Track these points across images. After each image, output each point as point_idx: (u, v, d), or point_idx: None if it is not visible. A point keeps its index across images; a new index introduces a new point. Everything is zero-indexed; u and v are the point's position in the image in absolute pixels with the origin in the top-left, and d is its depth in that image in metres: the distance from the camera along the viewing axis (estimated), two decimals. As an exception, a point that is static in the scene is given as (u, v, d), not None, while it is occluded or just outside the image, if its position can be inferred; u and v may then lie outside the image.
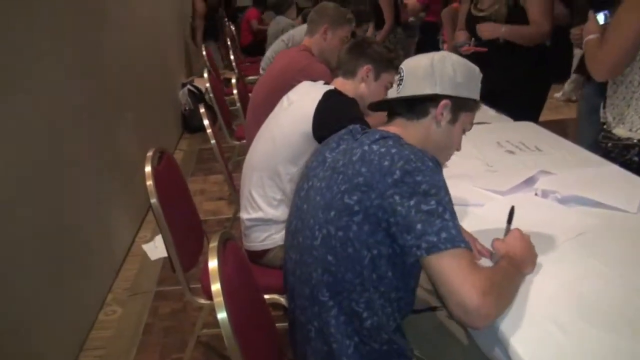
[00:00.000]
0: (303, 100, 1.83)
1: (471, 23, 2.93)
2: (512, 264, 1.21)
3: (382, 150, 1.18)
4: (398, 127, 1.34)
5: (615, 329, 1.09)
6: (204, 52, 5.28)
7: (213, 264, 1.14)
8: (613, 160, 2.04)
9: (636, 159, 2.02)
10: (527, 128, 2.47)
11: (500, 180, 1.82)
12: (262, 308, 1.40)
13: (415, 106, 1.34)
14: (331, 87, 1.85)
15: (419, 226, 1.08)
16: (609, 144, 2.08)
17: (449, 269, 1.06)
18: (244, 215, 1.96)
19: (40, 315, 2.09)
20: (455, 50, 3.09)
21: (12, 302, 1.89)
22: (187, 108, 5.47)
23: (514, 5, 2.72)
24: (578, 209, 1.62)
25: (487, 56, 2.79)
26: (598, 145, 2.12)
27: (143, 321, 2.59)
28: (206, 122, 2.50)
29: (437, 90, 1.32)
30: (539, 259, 1.32)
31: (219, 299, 1.09)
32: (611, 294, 1.21)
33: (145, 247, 3.28)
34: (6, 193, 1.92)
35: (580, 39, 2.08)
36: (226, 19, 8.74)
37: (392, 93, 1.41)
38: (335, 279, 1.21)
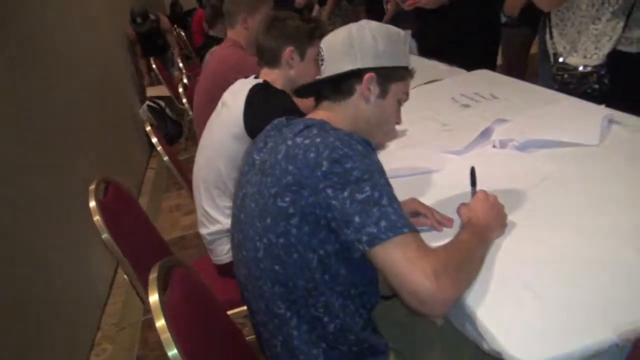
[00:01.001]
0: (234, 100, 1.72)
1: None
2: (474, 233, 1.13)
3: (307, 142, 1.08)
4: (325, 112, 1.25)
5: (596, 284, 1.02)
6: (154, 66, 5.16)
7: (153, 298, 1.06)
8: (572, 92, 1.96)
9: (596, 86, 1.95)
10: (481, 77, 2.39)
11: (456, 138, 1.74)
12: (226, 331, 1.32)
13: (340, 85, 1.24)
14: (259, 80, 1.74)
15: (356, 218, 0.99)
16: (565, 76, 2.00)
17: (395, 259, 0.97)
18: (203, 230, 1.87)
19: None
20: (398, 6, 3.00)
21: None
22: (151, 124, 5.31)
23: None
24: (539, 153, 1.56)
25: (434, 9, 2.70)
26: (554, 80, 2.05)
27: (134, 354, 2.51)
28: (154, 139, 2.41)
29: (359, 64, 1.22)
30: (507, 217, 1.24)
31: (165, 336, 1.01)
32: (586, 242, 1.14)
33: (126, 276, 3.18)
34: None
35: None
36: (175, 26, 8.59)
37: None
38: (287, 288, 1.12)
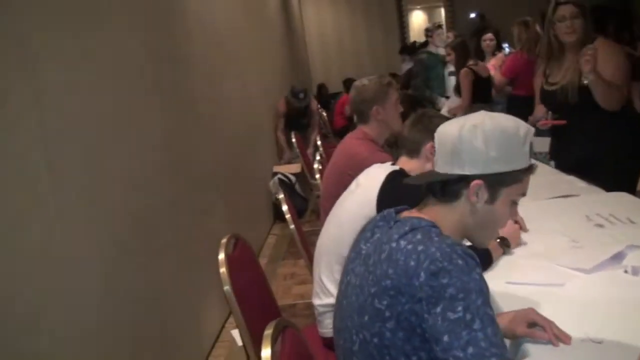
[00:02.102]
0: (369, 183, 1.82)
1: (544, 97, 2.86)
2: None
3: (409, 247, 1.09)
4: (432, 213, 1.23)
5: None
6: (294, 140, 5.46)
7: (266, 353, 1.13)
8: None
9: None
10: (620, 199, 2.30)
11: (585, 256, 1.69)
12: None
13: (446, 187, 1.21)
14: (396, 168, 1.83)
15: (445, 338, 0.99)
16: None
17: None
18: (315, 301, 1.93)
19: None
20: (533, 125, 3.00)
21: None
22: (277, 197, 5.54)
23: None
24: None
25: (573, 126, 2.68)
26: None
27: (229, 411, 2.56)
28: (285, 207, 2.55)
29: (466, 170, 1.17)
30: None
31: (272, 391, 1.06)
32: None
33: (233, 332, 3.29)
34: (91, 278, 2.00)
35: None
36: (319, 106, 9.06)
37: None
38: None
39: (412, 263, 1.06)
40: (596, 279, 1.57)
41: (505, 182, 1.19)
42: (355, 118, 2.66)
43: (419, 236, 1.11)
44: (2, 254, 1.54)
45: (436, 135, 1.26)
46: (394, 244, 1.12)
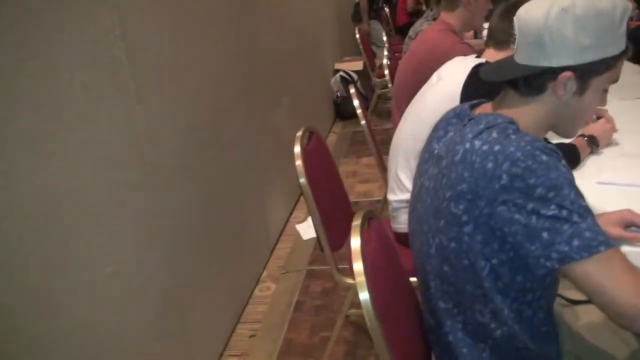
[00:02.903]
0: (452, 77, 1.73)
1: None
2: None
3: (485, 148, 1.01)
4: (511, 108, 1.12)
5: None
6: (357, 35, 5.29)
7: (355, 242, 1.12)
8: None
9: None
10: None
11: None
12: (408, 291, 1.35)
13: (530, 81, 1.09)
14: (482, 60, 1.72)
15: (545, 234, 0.94)
16: None
17: (597, 278, 0.92)
18: (391, 196, 1.92)
19: (201, 288, 2.23)
20: None
21: (175, 276, 2.02)
22: (338, 95, 5.48)
23: None
24: None
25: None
26: None
27: (295, 299, 2.66)
28: (356, 102, 2.48)
29: (553, 62, 1.04)
30: None
31: (360, 279, 1.06)
32: None
33: (298, 227, 3.37)
34: (172, 166, 2.05)
35: None
36: (381, 1, 8.68)
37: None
38: (455, 289, 1.12)
39: (490, 165, 0.98)
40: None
41: (597, 71, 1.06)
42: (443, 3, 2.51)
43: (494, 134, 1.02)
44: (88, 138, 1.56)
45: (517, 20, 1.10)
46: (467, 145, 1.05)
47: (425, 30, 2.69)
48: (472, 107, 1.20)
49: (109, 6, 1.68)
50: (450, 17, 2.46)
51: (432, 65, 1.96)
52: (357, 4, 6.35)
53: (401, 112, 2.01)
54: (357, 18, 6.39)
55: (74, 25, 1.53)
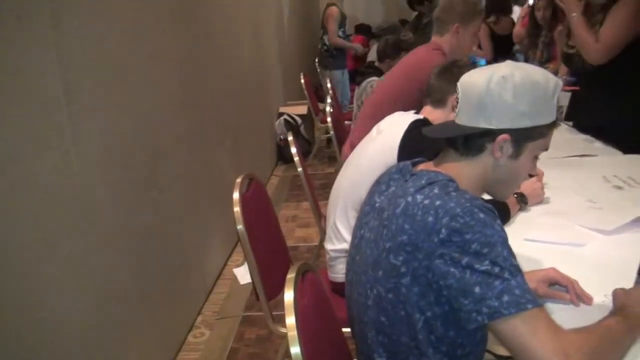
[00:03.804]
0: (391, 130, 1.78)
1: (565, 59, 2.80)
2: (625, 322, 1.05)
3: (426, 202, 1.05)
4: (450, 166, 1.18)
5: None
6: (302, 81, 5.37)
7: (289, 296, 1.11)
8: None
9: None
10: (638, 161, 2.28)
11: (605, 218, 1.67)
12: (341, 342, 1.35)
13: (470, 141, 1.16)
14: (419, 117, 1.78)
15: (477, 289, 0.97)
16: None
17: (522, 335, 0.95)
18: (328, 246, 1.93)
19: (132, 333, 2.15)
20: None
21: (107, 317, 1.96)
22: (282, 138, 5.50)
23: None
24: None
25: (589, 89, 2.62)
26: None
27: (229, 345, 2.61)
28: (293, 149, 2.52)
29: (493, 124, 1.12)
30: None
31: (292, 333, 1.06)
32: None
33: (235, 270, 3.33)
34: (107, 208, 2.00)
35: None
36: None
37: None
38: (390, 340, 1.13)
39: (430, 219, 1.02)
40: (616, 240, 1.56)
41: (531, 137, 1.15)
42: (434, 27, 2.57)
43: (435, 190, 1.07)
44: (21, 180, 1.51)
45: (460, 85, 1.18)
46: (409, 198, 1.08)
47: (415, 50, 2.68)
48: (414, 164, 1.25)
49: (48, 45, 1.66)
50: (440, 40, 2.51)
51: (420, 78, 2.02)
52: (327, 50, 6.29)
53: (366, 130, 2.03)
54: (324, 64, 6.36)
55: (10, 64, 1.50)
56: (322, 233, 2.46)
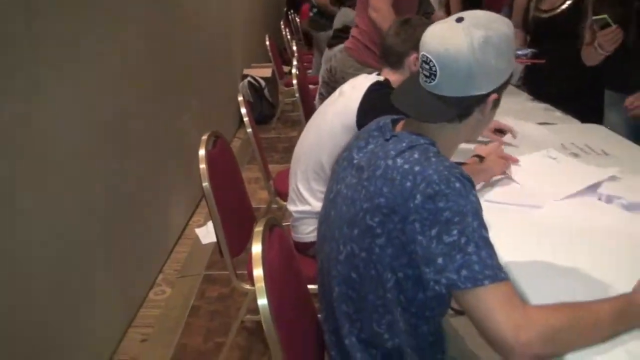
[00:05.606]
0: (352, 93, 1.78)
1: (533, 25, 2.82)
2: (624, 314, 1.02)
3: (406, 167, 1.06)
4: (433, 130, 1.16)
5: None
6: (267, 43, 5.30)
7: (257, 248, 1.13)
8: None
9: None
10: (594, 131, 2.35)
11: (561, 183, 1.73)
12: (306, 298, 1.38)
13: (461, 112, 1.15)
14: (380, 78, 1.79)
15: (439, 260, 0.99)
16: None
17: (477, 309, 0.97)
18: (291, 207, 1.94)
19: (93, 290, 2.15)
20: None
21: (68, 276, 1.95)
22: (246, 100, 5.43)
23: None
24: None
25: (550, 59, 2.67)
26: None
27: (190, 303, 2.63)
28: (243, 110, 2.53)
29: (483, 90, 1.12)
30: (604, 274, 1.22)
31: (260, 284, 1.07)
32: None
33: (197, 230, 3.33)
34: (72, 165, 1.97)
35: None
36: (291, 11, 8.76)
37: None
38: (358, 295, 1.16)
39: (408, 184, 1.03)
40: (572, 204, 1.62)
41: (505, 86, 1.17)
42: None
43: (416, 155, 1.07)
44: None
45: (435, 60, 1.10)
46: (390, 162, 1.09)
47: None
48: (394, 121, 1.25)
49: None
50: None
51: None
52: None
53: None
54: (313, 27, 6.19)
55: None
56: (271, 194, 2.49)
